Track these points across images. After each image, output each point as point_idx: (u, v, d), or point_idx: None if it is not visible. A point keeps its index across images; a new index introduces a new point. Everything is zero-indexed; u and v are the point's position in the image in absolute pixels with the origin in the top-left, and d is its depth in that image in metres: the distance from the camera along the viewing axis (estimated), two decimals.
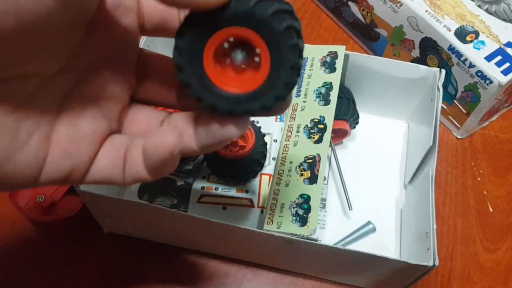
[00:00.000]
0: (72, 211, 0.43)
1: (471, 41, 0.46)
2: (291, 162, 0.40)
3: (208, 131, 0.20)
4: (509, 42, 0.47)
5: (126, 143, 0.22)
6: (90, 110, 0.22)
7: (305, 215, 0.37)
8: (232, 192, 0.46)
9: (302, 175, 0.39)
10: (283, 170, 0.40)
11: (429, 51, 0.50)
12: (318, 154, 0.40)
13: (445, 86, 0.49)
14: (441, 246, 0.45)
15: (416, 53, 0.51)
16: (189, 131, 0.21)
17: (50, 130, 0.20)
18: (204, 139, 0.21)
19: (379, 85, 0.48)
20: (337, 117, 0.44)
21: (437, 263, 0.34)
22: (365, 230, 0.44)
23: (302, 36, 0.19)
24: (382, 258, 0.35)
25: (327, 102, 0.43)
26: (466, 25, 0.48)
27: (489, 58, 0.45)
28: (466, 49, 0.46)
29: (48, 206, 0.42)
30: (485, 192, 0.49)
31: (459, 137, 0.52)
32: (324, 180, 0.47)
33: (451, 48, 0.47)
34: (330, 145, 0.47)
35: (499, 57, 0.45)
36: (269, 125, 0.50)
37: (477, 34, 0.47)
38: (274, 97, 0.20)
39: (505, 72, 0.44)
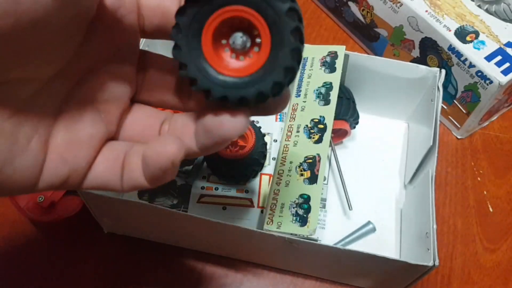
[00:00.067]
0: (72, 211, 0.43)
1: (471, 41, 0.46)
2: (291, 162, 0.40)
3: (207, 131, 0.20)
4: (509, 42, 0.47)
5: (124, 150, 0.22)
6: (89, 114, 0.21)
7: (305, 215, 0.37)
8: (232, 192, 0.46)
9: (302, 175, 0.39)
10: (283, 170, 0.40)
11: (429, 51, 0.50)
12: (318, 154, 0.40)
13: (445, 86, 0.49)
14: (441, 246, 0.45)
15: (416, 53, 0.51)
16: (189, 132, 0.21)
17: (48, 134, 0.20)
18: (203, 139, 0.21)
19: (379, 85, 0.48)
20: (337, 117, 0.44)
21: (437, 263, 0.34)
22: (365, 230, 0.44)
23: (303, 21, 0.19)
24: (382, 258, 0.35)
25: (327, 102, 0.43)
26: (466, 25, 0.48)
27: (489, 58, 0.45)
28: (466, 49, 0.46)
29: (48, 206, 0.42)
30: (485, 192, 0.49)
31: (459, 137, 0.52)
32: (324, 180, 0.47)
33: (451, 48, 0.47)
34: (330, 145, 0.47)
35: (499, 57, 0.45)
36: (269, 125, 0.50)
37: (477, 34, 0.47)
38: (272, 82, 0.19)
39: (505, 72, 0.44)
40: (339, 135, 0.48)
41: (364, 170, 0.48)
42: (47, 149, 0.20)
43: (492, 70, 0.44)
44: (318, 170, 0.39)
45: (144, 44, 0.44)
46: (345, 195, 0.45)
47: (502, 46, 0.46)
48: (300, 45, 0.19)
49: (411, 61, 0.52)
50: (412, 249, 0.41)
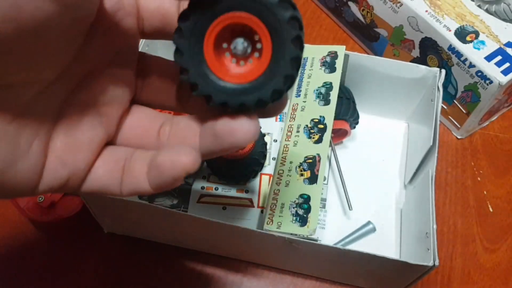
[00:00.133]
0: (72, 211, 0.43)
1: (471, 41, 0.46)
2: (291, 162, 0.40)
3: (217, 137, 0.20)
4: (509, 42, 0.47)
5: (125, 155, 0.22)
6: (89, 117, 0.21)
7: (305, 215, 0.37)
8: (232, 192, 0.46)
9: (302, 175, 0.39)
10: (283, 170, 0.40)
11: (429, 51, 0.50)
12: (318, 154, 0.40)
13: (445, 86, 0.49)
14: (441, 246, 0.45)
15: (416, 53, 0.51)
16: (192, 136, 0.21)
17: (49, 137, 0.20)
18: (210, 144, 0.20)
19: (379, 85, 0.48)
20: (337, 117, 0.44)
21: (437, 263, 0.34)
22: (365, 230, 0.44)
23: (303, 28, 0.19)
24: (382, 258, 0.35)
25: (327, 102, 0.43)
26: (466, 25, 0.48)
27: (489, 58, 0.45)
28: (466, 49, 0.46)
29: (48, 206, 0.42)
30: (485, 192, 0.49)
31: (459, 137, 0.52)
32: (324, 180, 0.47)
33: (451, 48, 0.47)
34: (330, 145, 0.47)
35: (499, 57, 0.45)
36: (269, 125, 0.50)
37: (477, 34, 0.47)
38: (271, 90, 0.19)
39: (505, 72, 0.44)
40: (339, 135, 0.48)
41: (364, 170, 0.48)
42: (47, 152, 0.20)
43: (492, 70, 0.44)
44: (318, 170, 0.39)
45: (144, 44, 0.44)
46: (345, 195, 0.45)
47: (502, 46, 0.46)
48: (300, 53, 0.19)
49: (411, 61, 0.52)
50: (412, 249, 0.41)
